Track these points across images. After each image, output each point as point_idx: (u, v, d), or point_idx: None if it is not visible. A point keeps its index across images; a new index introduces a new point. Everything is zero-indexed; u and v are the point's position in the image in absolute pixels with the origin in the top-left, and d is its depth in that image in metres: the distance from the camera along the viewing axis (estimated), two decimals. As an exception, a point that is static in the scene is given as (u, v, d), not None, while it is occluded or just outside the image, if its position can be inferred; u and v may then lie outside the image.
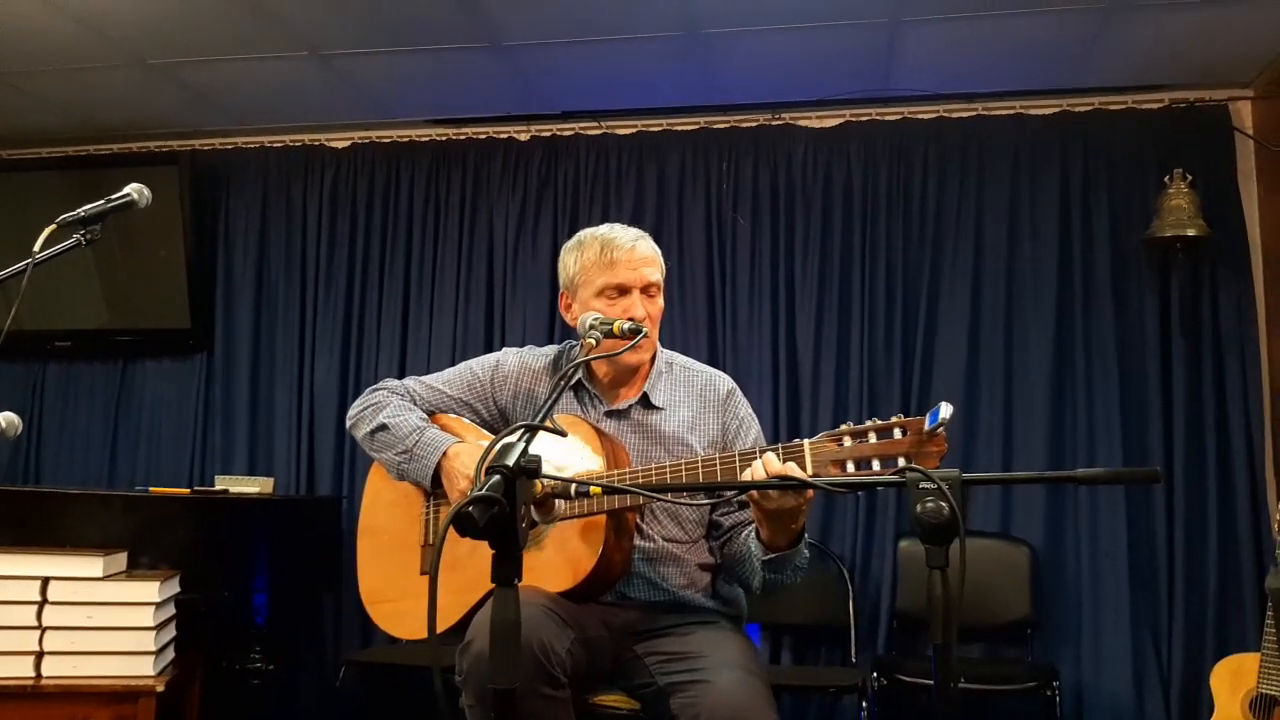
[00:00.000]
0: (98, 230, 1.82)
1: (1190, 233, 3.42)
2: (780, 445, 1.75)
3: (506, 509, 1.17)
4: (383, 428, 2.08)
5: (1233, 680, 2.82)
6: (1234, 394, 3.49)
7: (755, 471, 1.70)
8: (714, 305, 3.86)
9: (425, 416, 2.12)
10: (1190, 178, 3.48)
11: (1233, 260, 3.56)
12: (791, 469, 1.67)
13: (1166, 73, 3.54)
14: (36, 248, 1.76)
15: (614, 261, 2.01)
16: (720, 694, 1.73)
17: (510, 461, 1.21)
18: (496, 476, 1.19)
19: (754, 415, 2.14)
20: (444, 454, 1.99)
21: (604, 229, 2.09)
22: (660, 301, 2.08)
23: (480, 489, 1.17)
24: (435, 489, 2.04)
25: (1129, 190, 3.64)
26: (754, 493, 1.72)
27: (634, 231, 2.08)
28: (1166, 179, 3.50)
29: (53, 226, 1.79)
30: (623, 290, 2.01)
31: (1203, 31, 3.22)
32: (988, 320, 3.67)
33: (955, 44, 3.35)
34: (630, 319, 1.94)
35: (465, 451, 1.99)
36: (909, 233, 3.76)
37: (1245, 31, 3.22)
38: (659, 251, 2.10)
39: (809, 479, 1.61)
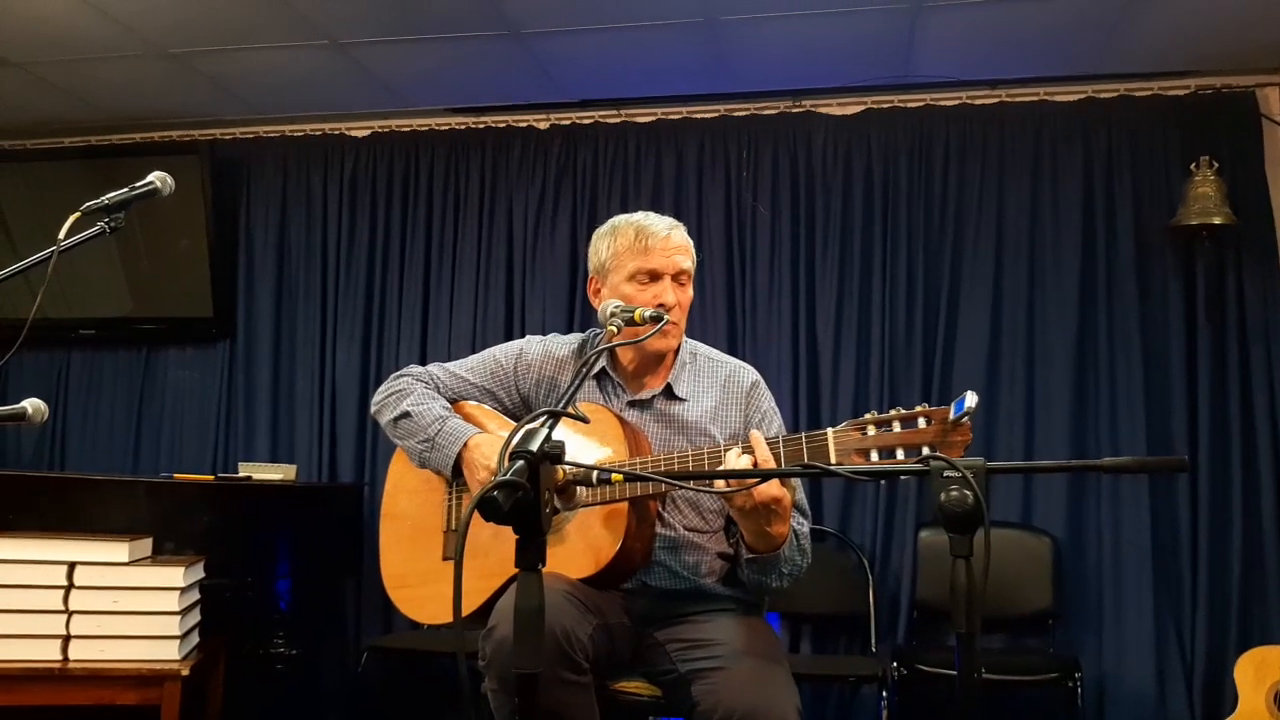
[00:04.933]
0: (121, 218, 1.80)
1: (1216, 221, 3.37)
2: (804, 434, 1.74)
3: (530, 494, 1.18)
4: (406, 415, 2.09)
5: (1256, 673, 2.81)
6: (1259, 383, 3.45)
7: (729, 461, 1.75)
8: (733, 293, 3.84)
9: (448, 405, 2.12)
10: (1217, 165, 3.44)
11: (1259, 248, 3.52)
12: (749, 461, 1.72)
13: (1193, 58, 3.50)
14: (61, 235, 1.74)
15: (648, 248, 1.99)
16: (741, 680, 1.73)
17: (534, 447, 1.21)
18: (520, 461, 1.19)
19: (776, 409, 2.13)
20: (465, 444, 2.00)
21: (639, 216, 2.07)
22: (690, 292, 2.07)
23: (505, 474, 1.17)
24: (456, 478, 2.05)
25: (1154, 177, 3.60)
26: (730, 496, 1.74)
27: (669, 220, 2.06)
28: (1193, 166, 3.46)
29: (77, 214, 1.77)
30: (655, 276, 2.00)
31: (1229, 16, 3.17)
32: (1009, 308, 3.65)
33: (977, 29, 3.31)
34: (660, 305, 1.95)
35: (486, 442, 1.99)
36: (930, 220, 3.73)
37: (1273, 16, 3.17)
38: (691, 243, 2.08)
39: (830, 467, 1.61)
